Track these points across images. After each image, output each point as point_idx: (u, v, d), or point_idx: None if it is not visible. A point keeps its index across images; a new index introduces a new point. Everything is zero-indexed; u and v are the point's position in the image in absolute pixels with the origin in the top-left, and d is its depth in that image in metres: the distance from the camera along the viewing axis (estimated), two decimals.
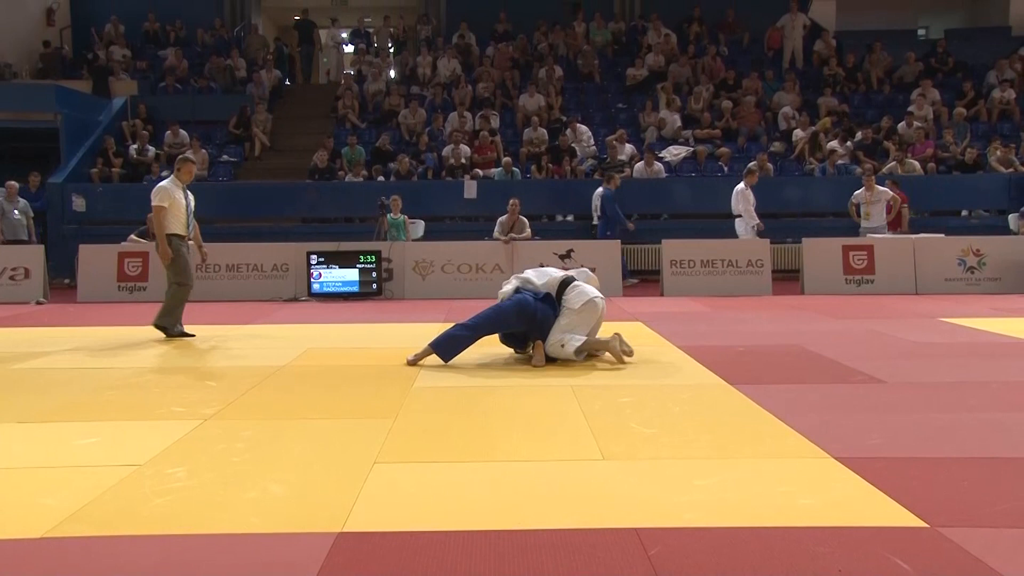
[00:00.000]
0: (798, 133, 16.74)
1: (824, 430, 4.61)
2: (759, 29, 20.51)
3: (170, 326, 8.52)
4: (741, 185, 13.00)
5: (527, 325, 6.83)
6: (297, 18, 21.08)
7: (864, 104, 18.50)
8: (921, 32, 24.20)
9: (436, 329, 8.86)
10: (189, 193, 8.71)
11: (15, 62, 19.78)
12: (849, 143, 16.29)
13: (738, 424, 4.86)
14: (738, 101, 17.82)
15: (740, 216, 13.04)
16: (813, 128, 16.74)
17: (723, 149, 16.61)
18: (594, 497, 3.63)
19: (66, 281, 14.01)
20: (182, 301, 8.64)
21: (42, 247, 13.01)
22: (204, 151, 16.71)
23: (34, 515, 3.43)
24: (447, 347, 6.81)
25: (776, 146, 16.83)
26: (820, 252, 12.74)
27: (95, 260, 12.67)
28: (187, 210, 8.56)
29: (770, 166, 15.77)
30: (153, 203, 8.40)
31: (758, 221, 12.89)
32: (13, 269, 12.48)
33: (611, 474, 3.97)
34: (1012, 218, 13.97)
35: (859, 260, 12.70)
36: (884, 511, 3.43)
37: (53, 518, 3.39)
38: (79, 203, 15.54)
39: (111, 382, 6.19)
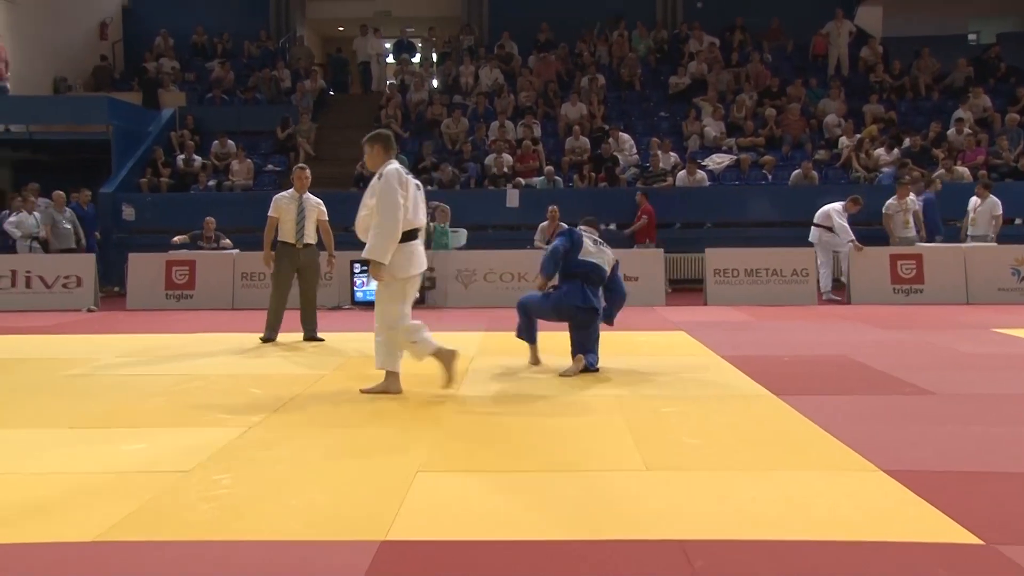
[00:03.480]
0: (843, 141, 16.53)
1: (872, 442, 4.53)
2: (803, 36, 20.31)
3: (270, 338, 8.69)
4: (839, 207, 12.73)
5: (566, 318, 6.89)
6: (361, 61, 21.36)
7: (912, 111, 18.20)
8: (972, 37, 23.76)
9: (478, 338, 8.89)
10: (311, 201, 8.80)
11: (70, 76, 20.21)
12: (896, 151, 16.04)
13: (784, 435, 4.80)
14: (782, 109, 17.65)
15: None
16: (859, 136, 16.53)
17: (767, 157, 16.46)
18: (637, 508, 3.60)
19: (115, 289, 14.25)
20: (274, 310, 8.75)
21: (93, 256, 13.26)
22: (249, 161, 16.93)
23: (85, 519, 3.49)
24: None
25: (821, 154, 16.62)
26: (867, 261, 12.55)
27: (143, 268, 12.88)
28: (298, 218, 8.69)
29: (815, 174, 15.58)
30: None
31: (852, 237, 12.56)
32: (66, 277, 12.74)
33: (655, 485, 3.93)
34: None
35: (907, 269, 12.49)
36: (936, 527, 3.35)
37: (104, 522, 3.44)
38: (128, 212, 15.81)
39: (158, 389, 6.27)
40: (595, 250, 6.88)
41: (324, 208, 8.94)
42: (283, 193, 8.93)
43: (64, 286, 12.73)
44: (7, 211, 14.82)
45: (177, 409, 5.62)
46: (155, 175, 16.81)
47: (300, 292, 8.88)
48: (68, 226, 14.03)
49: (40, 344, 8.91)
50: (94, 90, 19.94)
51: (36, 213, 14.14)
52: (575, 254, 6.81)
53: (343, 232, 15.51)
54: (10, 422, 5.30)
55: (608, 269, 6.92)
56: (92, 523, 3.44)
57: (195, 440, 4.75)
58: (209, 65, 20.88)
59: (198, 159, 17.20)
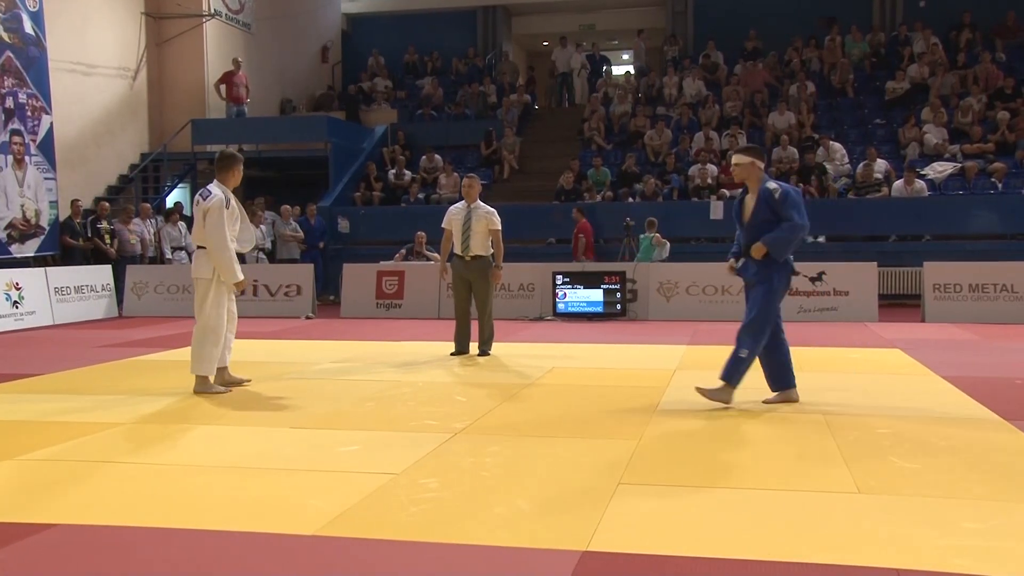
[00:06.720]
0: None
1: None
2: None
3: (460, 351, 8.74)
4: None
5: None
6: (560, 73, 21.74)
7: None
8: None
9: (680, 351, 8.77)
10: (480, 211, 8.59)
11: (295, 97, 21.68)
12: None
13: (1018, 465, 4.43)
14: (1017, 111, 16.32)
15: None
16: None
17: (997, 164, 15.25)
18: (849, 532, 3.44)
19: (331, 298, 15.07)
20: (457, 323, 8.79)
21: (312, 266, 14.09)
22: (456, 174, 17.48)
23: (305, 514, 3.72)
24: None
25: None
26: None
27: (356, 279, 13.56)
28: (464, 228, 8.58)
29: None
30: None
31: None
32: (287, 286, 13.61)
33: (867, 508, 3.74)
34: None
35: None
36: None
37: (321, 518, 3.66)
38: (344, 225, 16.72)
39: (369, 393, 6.58)
40: None
41: (496, 218, 8.59)
42: (455, 204, 8.91)
43: (286, 294, 13.60)
44: None
45: (387, 414, 5.88)
46: (368, 189, 17.69)
47: (475, 304, 8.79)
48: (292, 237, 15.06)
49: (264, 349, 9.55)
50: (314, 110, 21.27)
51: (262, 226, 15.23)
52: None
53: (546, 244, 15.94)
54: (239, 421, 5.74)
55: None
56: (312, 518, 3.66)
57: (404, 444, 4.96)
58: (420, 82, 21.84)
59: (408, 173, 17.96)
